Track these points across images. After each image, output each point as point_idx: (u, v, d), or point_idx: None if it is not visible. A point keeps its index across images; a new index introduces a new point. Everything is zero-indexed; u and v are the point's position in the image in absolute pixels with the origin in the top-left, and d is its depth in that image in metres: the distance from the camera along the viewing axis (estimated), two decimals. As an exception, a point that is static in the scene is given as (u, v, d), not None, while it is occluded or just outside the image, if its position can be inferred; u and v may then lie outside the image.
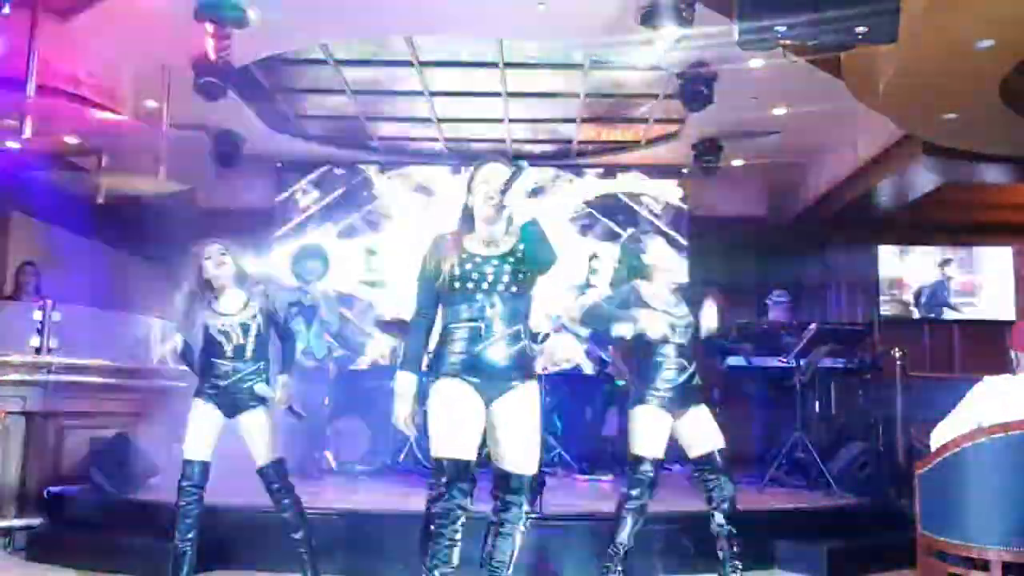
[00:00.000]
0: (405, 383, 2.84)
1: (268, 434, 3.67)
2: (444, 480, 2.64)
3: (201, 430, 3.62)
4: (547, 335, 6.19)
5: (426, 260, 2.88)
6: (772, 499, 5.25)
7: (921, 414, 5.26)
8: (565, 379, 7.51)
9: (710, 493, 3.59)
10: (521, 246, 2.81)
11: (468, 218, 2.92)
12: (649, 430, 3.58)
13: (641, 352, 3.64)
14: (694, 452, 3.64)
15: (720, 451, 3.61)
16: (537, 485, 2.86)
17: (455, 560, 2.62)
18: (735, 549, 3.54)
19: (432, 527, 2.63)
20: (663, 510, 4.11)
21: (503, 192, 2.77)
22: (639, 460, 3.56)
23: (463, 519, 2.64)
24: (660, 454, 3.57)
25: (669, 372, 3.59)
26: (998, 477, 3.17)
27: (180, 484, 3.59)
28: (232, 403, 3.64)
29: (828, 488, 5.40)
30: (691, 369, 3.65)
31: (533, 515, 2.88)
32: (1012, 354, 3.45)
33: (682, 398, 3.60)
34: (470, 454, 2.68)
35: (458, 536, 2.63)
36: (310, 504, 3.89)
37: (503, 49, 6.64)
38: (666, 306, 3.67)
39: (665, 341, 3.59)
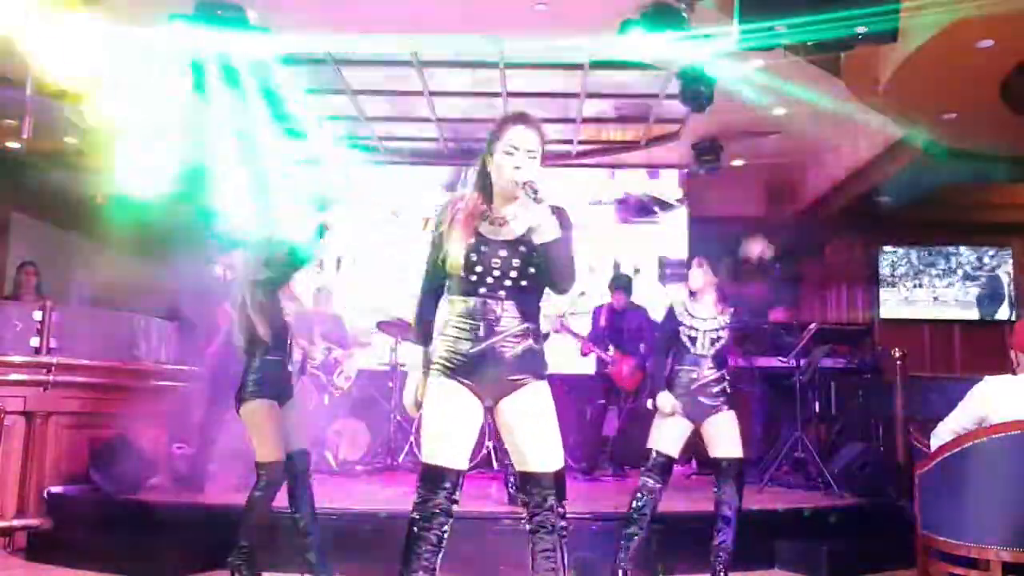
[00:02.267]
0: (413, 358, 2.62)
1: (302, 421, 3.89)
2: (429, 486, 2.46)
3: (275, 430, 3.71)
4: (547, 335, 6.19)
5: (436, 227, 2.53)
6: (772, 499, 5.25)
7: (921, 414, 5.26)
8: (565, 379, 7.50)
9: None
10: (536, 227, 2.42)
11: (487, 187, 2.54)
12: None
13: None
14: None
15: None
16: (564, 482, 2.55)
17: (437, 566, 2.44)
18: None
19: (415, 530, 2.45)
20: (663, 510, 4.10)
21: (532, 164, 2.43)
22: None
23: (447, 525, 2.46)
24: None
25: None
26: (998, 477, 3.17)
27: (264, 484, 3.65)
28: (279, 392, 3.79)
29: (828, 488, 5.40)
30: None
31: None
32: (1012, 354, 3.45)
33: None
34: (461, 463, 2.47)
35: (442, 542, 2.45)
36: (310, 504, 3.88)
37: (503, 49, 6.63)
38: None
39: None
